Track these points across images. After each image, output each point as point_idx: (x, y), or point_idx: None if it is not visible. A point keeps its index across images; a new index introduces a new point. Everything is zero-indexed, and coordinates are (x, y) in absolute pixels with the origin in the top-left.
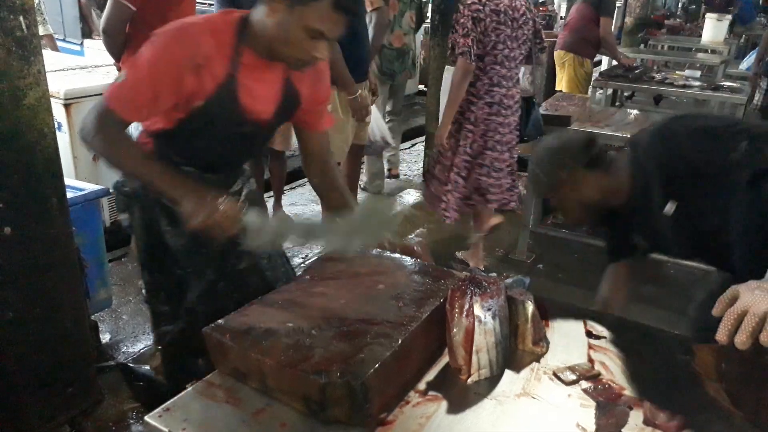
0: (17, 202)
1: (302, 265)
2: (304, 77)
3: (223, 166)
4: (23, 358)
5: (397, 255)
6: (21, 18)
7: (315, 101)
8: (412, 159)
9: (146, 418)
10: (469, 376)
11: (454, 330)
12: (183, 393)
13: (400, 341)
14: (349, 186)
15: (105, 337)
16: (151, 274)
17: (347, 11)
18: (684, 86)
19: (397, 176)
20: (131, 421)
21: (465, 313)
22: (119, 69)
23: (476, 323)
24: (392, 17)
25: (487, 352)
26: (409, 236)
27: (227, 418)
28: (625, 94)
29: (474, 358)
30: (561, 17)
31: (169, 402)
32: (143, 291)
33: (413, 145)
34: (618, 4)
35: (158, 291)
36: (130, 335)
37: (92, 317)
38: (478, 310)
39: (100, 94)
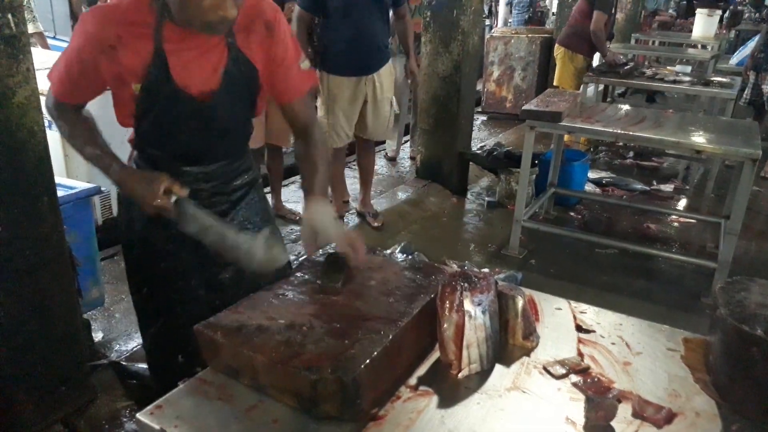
0: (7, 200)
1: (295, 261)
2: (251, 39)
3: (199, 155)
4: (15, 357)
5: (388, 251)
6: (9, 16)
7: (276, 63)
8: (405, 156)
9: (138, 415)
10: (460, 371)
11: (445, 325)
12: (175, 390)
13: (391, 337)
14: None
15: (97, 336)
16: (134, 270)
17: None
18: (674, 82)
19: (393, 159)
20: (124, 419)
21: (455, 308)
22: None
23: (466, 318)
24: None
25: (478, 346)
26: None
27: (219, 414)
28: (618, 91)
29: (464, 353)
30: (552, 13)
31: (160, 399)
32: (129, 287)
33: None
34: None
35: (140, 287)
36: (123, 333)
37: (84, 316)
38: (468, 305)
39: None
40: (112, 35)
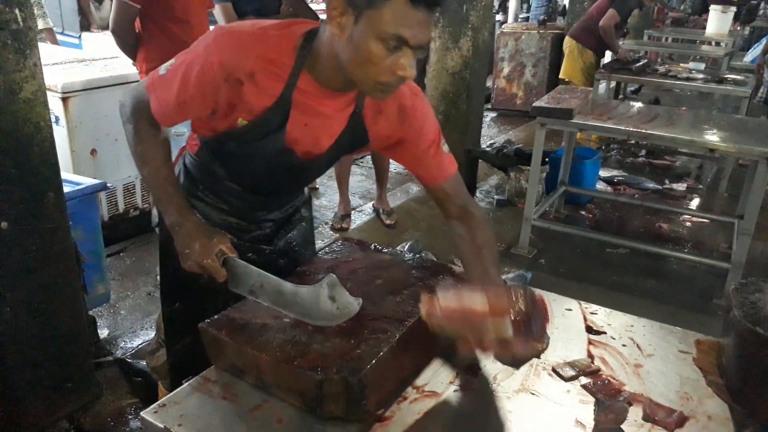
0: (13, 196)
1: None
2: (379, 118)
3: (268, 190)
4: (21, 353)
5: (396, 251)
6: (17, 11)
7: (409, 149)
8: None
9: (142, 413)
10: None
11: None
12: (179, 389)
13: (397, 337)
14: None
15: (103, 333)
16: (171, 281)
17: (428, 6)
18: (687, 79)
19: None
20: (129, 417)
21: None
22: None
23: None
24: None
25: None
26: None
27: (224, 413)
28: (631, 88)
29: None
30: (564, 6)
31: (164, 398)
32: (161, 298)
33: None
34: None
35: (174, 300)
36: (129, 330)
37: (90, 312)
38: None
39: (98, 88)
40: (246, 69)
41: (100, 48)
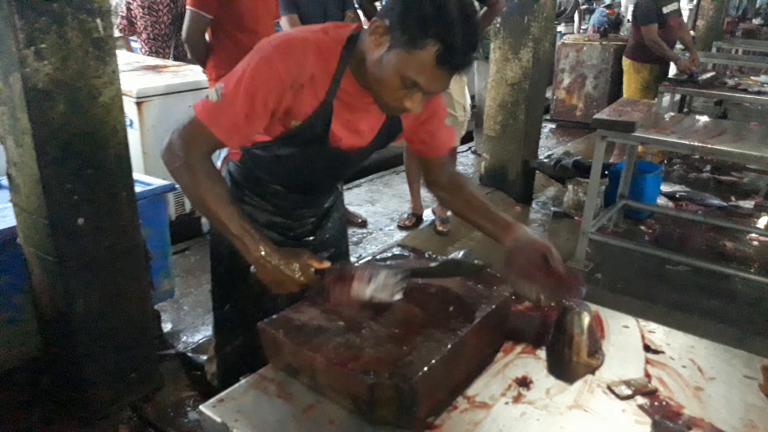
0: (90, 195)
1: (356, 264)
2: None
3: (309, 187)
4: (91, 343)
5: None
6: (98, 20)
7: (423, 122)
8: (468, 162)
9: (201, 407)
10: None
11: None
12: (236, 385)
13: (449, 346)
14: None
15: (166, 327)
16: (221, 284)
17: (454, 69)
18: (759, 93)
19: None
20: (188, 409)
21: None
22: (212, 77)
23: None
24: None
25: None
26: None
27: (278, 412)
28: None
29: None
30: (628, 20)
31: (223, 393)
32: (212, 301)
33: (469, 149)
34: (689, 6)
35: (224, 302)
36: (190, 326)
37: (155, 307)
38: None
39: (170, 93)
40: (308, 74)
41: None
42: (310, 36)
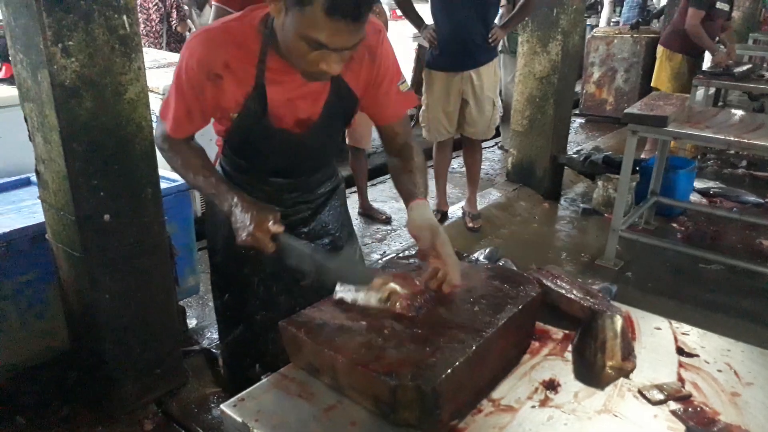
0: (116, 191)
1: (379, 262)
2: (353, 67)
3: (287, 171)
4: (117, 338)
5: (474, 258)
6: (124, 17)
7: (375, 86)
8: (495, 158)
9: (222, 406)
10: None
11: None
12: (258, 384)
13: (474, 347)
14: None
15: (191, 323)
16: (218, 274)
17: (348, 17)
18: None
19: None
20: (212, 405)
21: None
22: None
23: None
24: None
25: None
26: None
27: (299, 412)
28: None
29: None
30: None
31: (244, 392)
32: (212, 292)
33: (495, 144)
34: None
35: (223, 292)
36: (215, 322)
37: (180, 302)
38: None
39: None
40: (220, 62)
41: None
42: (222, 25)
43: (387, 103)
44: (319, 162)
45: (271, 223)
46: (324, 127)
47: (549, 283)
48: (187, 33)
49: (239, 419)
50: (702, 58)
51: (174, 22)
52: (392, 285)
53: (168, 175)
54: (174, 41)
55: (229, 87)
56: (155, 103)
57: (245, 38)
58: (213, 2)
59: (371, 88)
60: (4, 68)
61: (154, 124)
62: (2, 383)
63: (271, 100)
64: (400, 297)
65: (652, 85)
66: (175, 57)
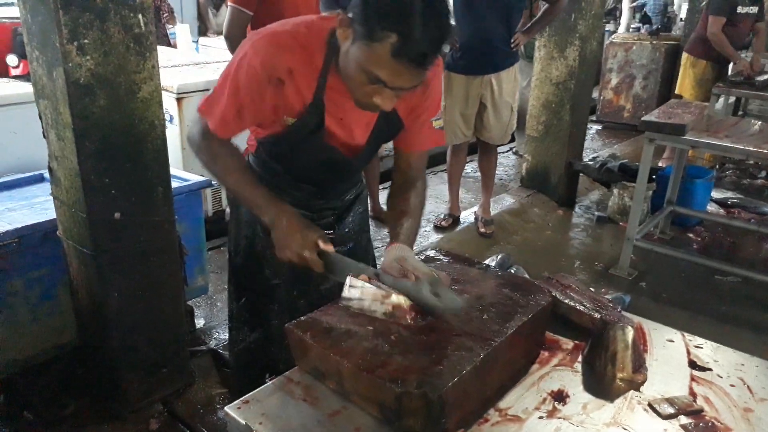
0: (127, 189)
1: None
2: (407, 95)
3: (321, 182)
4: (124, 337)
5: (485, 264)
6: (140, 16)
7: (416, 114)
8: (509, 163)
9: (226, 408)
10: None
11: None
12: (262, 387)
13: (482, 356)
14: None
15: (199, 323)
16: (237, 276)
17: (414, 63)
18: None
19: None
20: (218, 406)
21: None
22: None
23: None
24: None
25: None
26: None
27: (303, 416)
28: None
29: None
30: (681, 19)
31: (248, 395)
32: (228, 295)
33: (510, 149)
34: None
35: (241, 295)
36: (223, 322)
37: (188, 302)
38: None
39: (209, 90)
40: (285, 68)
41: (214, 52)
42: (291, 29)
43: (418, 133)
44: (353, 176)
45: (320, 243)
46: (370, 152)
47: (558, 294)
48: (172, 27)
49: (243, 422)
50: (727, 65)
51: (165, 15)
52: (395, 298)
53: (179, 174)
54: (160, 35)
55: (290, 94)
56: (169, 102)
57: (312, 49)
58: (228, 2)
59: (412, 115)
60: (21, 65)
61: (167, 123)
62: (11, 378)
63: (327, 115)
64: (404, 312)
65: (676, 92)
66: (193, 57)
